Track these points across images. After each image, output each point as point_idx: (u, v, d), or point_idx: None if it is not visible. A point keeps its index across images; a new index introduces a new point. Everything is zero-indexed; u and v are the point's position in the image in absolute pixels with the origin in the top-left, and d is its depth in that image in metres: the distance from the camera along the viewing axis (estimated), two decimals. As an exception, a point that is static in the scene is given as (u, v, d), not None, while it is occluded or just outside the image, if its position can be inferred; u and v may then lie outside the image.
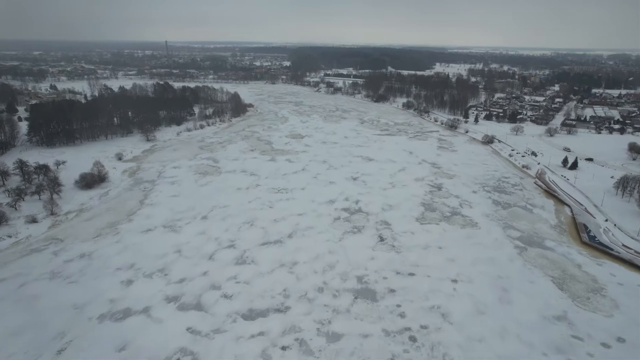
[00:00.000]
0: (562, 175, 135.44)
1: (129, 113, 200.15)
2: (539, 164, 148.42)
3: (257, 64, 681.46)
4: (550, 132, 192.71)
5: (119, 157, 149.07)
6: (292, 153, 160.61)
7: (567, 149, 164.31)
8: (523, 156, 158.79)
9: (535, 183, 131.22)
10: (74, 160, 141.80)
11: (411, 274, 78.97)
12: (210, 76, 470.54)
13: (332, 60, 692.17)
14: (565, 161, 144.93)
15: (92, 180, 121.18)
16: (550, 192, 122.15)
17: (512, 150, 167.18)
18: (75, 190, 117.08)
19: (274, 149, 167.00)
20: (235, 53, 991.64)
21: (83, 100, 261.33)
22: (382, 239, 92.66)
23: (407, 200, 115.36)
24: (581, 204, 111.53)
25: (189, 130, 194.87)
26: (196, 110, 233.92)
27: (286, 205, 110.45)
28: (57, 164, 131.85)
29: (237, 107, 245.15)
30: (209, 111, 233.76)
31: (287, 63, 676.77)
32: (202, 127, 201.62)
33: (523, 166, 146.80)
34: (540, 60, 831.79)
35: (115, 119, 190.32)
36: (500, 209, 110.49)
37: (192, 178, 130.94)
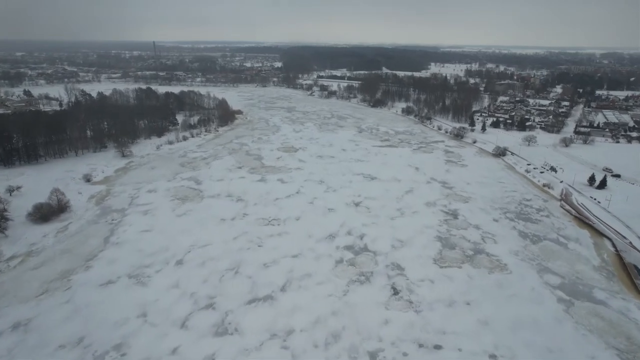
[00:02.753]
0: (591, 197, 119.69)
1: (105, 124, 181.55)
2: (561, 182, 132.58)
3: (248, 65, 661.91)
4: (566, 142, 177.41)
5: (87, 179, 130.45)
6: (284, 171, 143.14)
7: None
8: (542, 172, 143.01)
9: (561, 207, 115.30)
10: (33, 184, 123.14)
11: (437, 347, 62.15)
12: (198, 79, 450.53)
13: (325, 61, 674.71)
14: (592, 179, 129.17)
15: (49, 211, 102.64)
16: (582, 220, 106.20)
17: (528, 164, 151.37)
18: (27, 226, 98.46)
19: (265, 165, 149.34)
20: (225, 54, 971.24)
21: (58, 107, 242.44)
22: (395, 292, 75.71)
23: (419, 233, 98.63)
24: (624, 237, 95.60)
25: (170, 143, 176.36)
26: (180, 118, 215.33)
27: (278, 242, 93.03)
28: (10, 190, 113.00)
29: (225, 115, 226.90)
30: (194, 120, 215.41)
31: (279, 64, 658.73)
32: (185, 139, 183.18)
33: (544, 185, 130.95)
34: (534, 60, 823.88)
35: (88, 131, 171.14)
36: (529, 244, 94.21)
37: (169, 205, 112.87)
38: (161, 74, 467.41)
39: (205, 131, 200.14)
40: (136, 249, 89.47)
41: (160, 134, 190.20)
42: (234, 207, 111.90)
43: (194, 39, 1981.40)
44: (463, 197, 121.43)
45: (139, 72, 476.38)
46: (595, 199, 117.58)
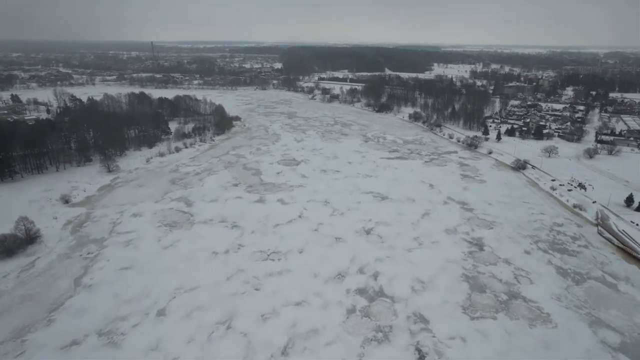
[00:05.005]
0: (632, 222, 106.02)
1: (91, 134, 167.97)
2: (594, 202, 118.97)
3: (247, 66, 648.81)
4: (590, 153, 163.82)
5: (66, 200, 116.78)
6: (285, 189, 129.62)
7: None
8: (569, 190, 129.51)
9: (599, 234, 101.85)
10: (2, 208, 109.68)
11: None
12: (196, 81, 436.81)
13: (326, 62, 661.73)
14: (630, 199, 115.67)
15: (14, 244, 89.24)
16: (627, 252, 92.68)
17: (553, 180, 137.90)
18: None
19: (263, 182, 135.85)
20: (224, 54, 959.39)
21: (45, 114, 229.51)
22: (421, 355, 62.23)
23: (442, 270, 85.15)
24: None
25: (161, 155, 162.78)
26: (174, 126, 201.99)
27: (278, 284, 79.50)
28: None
29: (222, 122, 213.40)
30: (189, 128, 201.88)
31: (279, 65, 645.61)
32: (177, 150, 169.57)
33: (574, 206, 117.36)
34: (538, 60, 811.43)
35: (72, 143, 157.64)
36: (571, 284, 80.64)
37: (155, 234, 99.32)
38: (158, 76, 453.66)
39: (200, 141, 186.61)
40: (112, 294, 75.98)
41: (151, 144, 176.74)
42: (228, 236, 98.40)
43: (194, 38, 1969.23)
44: (486, 222, 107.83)
45: (135, 75, 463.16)
46: (637, 225, 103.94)
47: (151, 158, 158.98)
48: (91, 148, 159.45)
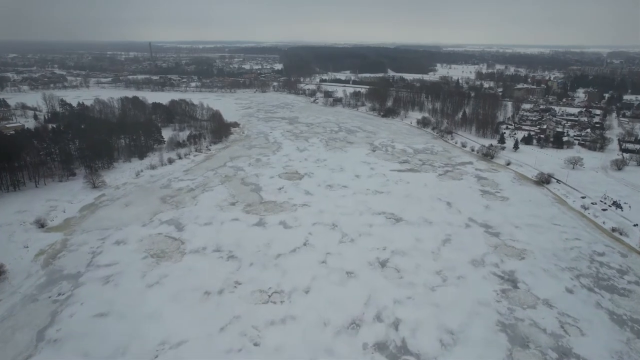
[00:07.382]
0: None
1: (77, 143, 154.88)
2: (635, 225, 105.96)
3: (247, 67, 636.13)
4: (618, 165, 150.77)
5: (41, 224, 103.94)
6: (288, 209, 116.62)
7: None
8: (604, 209, 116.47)
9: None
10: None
11: None
12: (194, 83, 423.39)
13: (327, 62, 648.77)
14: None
15: (-27, 283, 76.43)
16: (686, 290, 79.62)
17: (583, 197, 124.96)
18: (-63, 310, 72.12)
19: (263, 200, 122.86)
20: (224, 55, 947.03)
21: (33, 120, 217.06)
22: None
23: (473, 315, 72.20)
24: None
25: (153, 167, 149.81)
26: (168, 133, 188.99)
27: (281, 337, 66.55)
28: None
29: (219, 129, 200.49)
30: (184, 135, 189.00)
31: (279, 65, 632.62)
32: (170, 161, 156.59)
33: (613, 229, 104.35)
34: (542, 60, 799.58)
35: (54, 155, 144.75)
36: (632, 337, 67.69)
37: (139, 267, 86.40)
38: (154, 78, 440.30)
39: (196, 150, 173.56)
40: (80, 352, 63.19)
41: (142, 154, 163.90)
42: (223, 270, 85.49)
43: (193, 39, 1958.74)
44: (516, 251, 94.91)
45: (131, 77, 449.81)
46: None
47: (141, 171, 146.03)
48: (76, 160, 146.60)
